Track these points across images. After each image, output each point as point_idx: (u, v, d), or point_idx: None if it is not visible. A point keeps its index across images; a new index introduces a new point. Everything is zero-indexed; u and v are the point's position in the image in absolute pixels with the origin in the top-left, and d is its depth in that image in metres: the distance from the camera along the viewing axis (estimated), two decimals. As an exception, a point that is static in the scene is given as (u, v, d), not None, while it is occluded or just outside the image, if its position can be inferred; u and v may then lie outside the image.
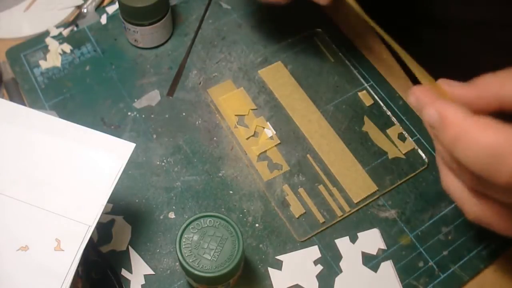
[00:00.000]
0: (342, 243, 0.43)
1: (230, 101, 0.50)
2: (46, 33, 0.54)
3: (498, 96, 0.33)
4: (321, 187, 0.46)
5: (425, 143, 0.48)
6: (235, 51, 0.53)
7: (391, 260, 0.43)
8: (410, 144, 0.48)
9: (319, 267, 0.43)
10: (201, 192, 0.46)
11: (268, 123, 0.49)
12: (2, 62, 0.53)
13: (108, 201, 0.36)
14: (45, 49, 0.53)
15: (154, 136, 0.48)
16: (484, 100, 0.34)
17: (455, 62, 0.51)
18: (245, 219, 0.44)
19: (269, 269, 0.42)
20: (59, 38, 0.54)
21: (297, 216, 0.44)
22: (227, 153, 0.48)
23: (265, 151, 0.47)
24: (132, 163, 0.46)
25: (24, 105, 0.48)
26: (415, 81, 0.52)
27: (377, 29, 0.52)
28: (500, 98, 0.33)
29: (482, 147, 0.29)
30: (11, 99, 0.51)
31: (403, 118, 0.49)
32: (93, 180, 0.36)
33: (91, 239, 0.35)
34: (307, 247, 0.43)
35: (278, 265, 0.43)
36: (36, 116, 0.38)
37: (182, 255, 0.36)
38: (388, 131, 0.48)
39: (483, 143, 0.29)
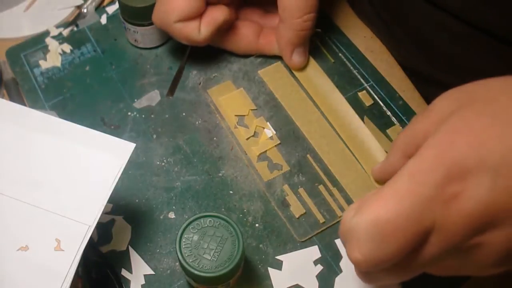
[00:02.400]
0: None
1: (230, 101, 0.50)
2: (46, 33, 0.54)
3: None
4: (321, 187, 0.46)
5: (425, 143, 0.48)
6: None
7: (391, 260, 0.43)
8: (410, 144, 0.48)
9: (319, 267, 0.43)
10: (201, 192, 0.46)
11: (268, 123, 0.49)
12: (2, 62, 0.53)
13: (108, 201, 0.36)
14: (45, 49, 0.53)
15: (154, 136, 0.48)
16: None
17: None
18: (245, 219, 0.44)
19: (269, 269, 0.42)
20: (59, 38, 0.54)
21: (297, 216, 0.44)
22: (227, 153, 0.48)
23: (265, 151, 0.47)
24: (132, 163, 0.46)
25: (24, 105, 0.48)
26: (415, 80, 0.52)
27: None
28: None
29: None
30: (11, 99, 0.51)
31: (403, 118, 0.49)
32: (93, 180, 0.36)
33: (91, 239, 0.35)
34: (307, 247, 0.43)
35: (278, 265, 0.43)
36: (36, 116, 0.38)
37: (182, 255, 0.36)
38: (388, 131, 0.48)
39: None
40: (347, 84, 0.51)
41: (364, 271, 0.34)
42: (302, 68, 0.51)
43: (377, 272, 0.32)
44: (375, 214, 0.29)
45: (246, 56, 0.53)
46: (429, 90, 0.51)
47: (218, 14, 0.47)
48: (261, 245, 0.43)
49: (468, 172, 0.28)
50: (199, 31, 0.47)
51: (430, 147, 0.30)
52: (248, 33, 0.50)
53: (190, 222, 0.37)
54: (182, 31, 0.47)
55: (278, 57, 0.52)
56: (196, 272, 0.35)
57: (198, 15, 0.47)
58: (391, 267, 0.30)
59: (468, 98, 0.31)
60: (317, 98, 0.50)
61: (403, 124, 0.49)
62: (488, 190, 0.28)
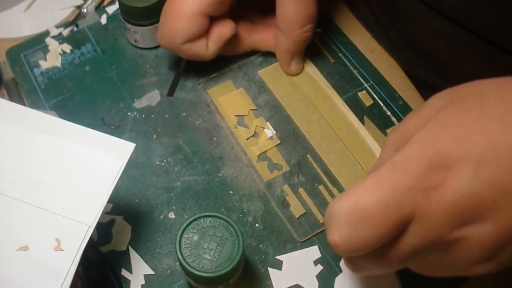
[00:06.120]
0: (342, 243, 0.43)
1: (230, 101, 0.50)
2: (46, 33, 0.54)
3: None
4: (321, 187, 0.46)
5: (425, 143, 0.48)
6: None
7: (391, 260, 0.43)
8: (410, 144, 0.48)
9: (319, 267, 0.43)
10: (201, 192, 0.46)
11: (268, 123, 0.49)
12: (2, 62, 0.53)
13: (108, 201, 0.36)
14: (45, 49, 0.53)
15: (154, 136, 0.48)
16: None
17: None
18: (245, 219, 0.44)
19: (269, 269, 0.42)
20: (59, 38, 0.54)
21: (297, 216, 0.44)
22: (227, 153, 0.48)
23: (265, 151, 0.47)
24: (132, 163, 0.46)
25: (24, 105, 0.48)
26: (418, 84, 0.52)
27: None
28: None
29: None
30: (11, 99, 0.51)
31: (403, 118, 0.49)
32: (93, 180, 0.36)
33: (91, 239, 0.35)
34: (307, 247, 0.43)
35: (278, 265, 0.43)
36: (36, 116, 0.38)
37: (182, 255, 0.36)
38: (388, 131, 0.48)
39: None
40: (347, 84, 0.51)
41: (347, 257, 0.34)
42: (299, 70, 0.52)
43: (360, 259, 0.33)
44: (355, 199, 0.30)
45: (246, 56, 0.53)
46: (427, 94, 0.51)
47: (224, 30, 0.48)
48: (261, 245, 0.43)
49: (451, 164, 0.28)
50: (207, 48, 0.47)
51: (416, 140, 0.30)
52: (240, 31, 0.50)
53: (190, 222, 0.37)
54: (190, 51, 0.47)
55: (278, 57, 0.52)
56: (196, 272, 0.35)
57: (204, 33, 0.47)
58: (373, 254, 0.31)
59: (459, 96, 0.31)
60: (315, 99, 0.50)
61: (403, 124, 0.49)
62: (470, 182, 0.28)
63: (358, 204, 0.29)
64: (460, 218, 0.28)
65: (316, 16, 0.47)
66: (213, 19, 0.47)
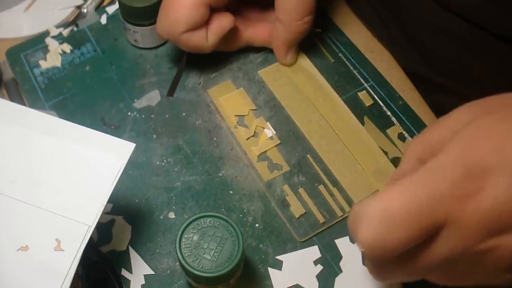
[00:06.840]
0: (342, 243, 0.43)
1: (230, 101, 0.50)
2: (46, 33, 0.54)
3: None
4: (321, 187, 0.46)
5: (425, 143, 0.48)
6: (235, 51, 0.53)
7: (391, 260, 0.43)
8: (410, 144, 0.48)
9: (319, 267, 0.43)
10: (201, 192, 0.46)
11: (268, 123, 0.49)
12: (2, 62, 0.53)
13: (108, 201, 0.36)
14: (45, 49, 0.53)
15: (154, 136, 0.48)
16: None
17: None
18: (245, 219, 0.44)
19: (269, 269, 0.42)
20: (59, 38, 0.54)
21: (297, 216, 0.44)
22: (227, 153, 0.48)
23: (265, 151, 0.47)
24: (132, 163, 0.46)
25: (24, 105, 0.48)
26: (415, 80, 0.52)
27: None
28: None
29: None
30: (11, 99, 0.51)
31: (403, 118, 0.49)
32: (93, 180, 0.36)
33: (91, 239, 0.35)
34: (307, 247, 0.43)
35: (278, 265, 0.43)
36: (36, 116, 0.38)
37: (182, 255, 0.36)
38: (388, 131, 0.48)
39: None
40: (347, 84, 0.51)
41: (373, 263, 0.34)
42: (299, 69, 0.51)
43: (387, 264, 0.32)
44: (389, 200, 0.29)
45: (246, 56, 0.53)
46: (427, 92, 0.51)
47: (224, 22, 0.48)
48: (261, 245, 0.43)
49: (487, 172, 0.28)
50: (206, 39, 0.47)
51: (451, 148, 0.30)
52: (236, 26, 0.50)
53: (190, 222, 0.37)
54: (189, 41, 0.47)
55: (278, 57, 0.52)
56: (196, 272, 0.35)
57: (204, 23, 0.47)
58: (401, 259, 0.31)
59: (487, 108, 0.31)
60: (315, 99, 0.50)
61: (403, 124, 0.49)
62: (507, 190, 0.28)
63: (392, 205, 0.29)
64: (494, 227, 0.28)
65: (315, 8, 0.48)
66: (212, 11, 0.47)
